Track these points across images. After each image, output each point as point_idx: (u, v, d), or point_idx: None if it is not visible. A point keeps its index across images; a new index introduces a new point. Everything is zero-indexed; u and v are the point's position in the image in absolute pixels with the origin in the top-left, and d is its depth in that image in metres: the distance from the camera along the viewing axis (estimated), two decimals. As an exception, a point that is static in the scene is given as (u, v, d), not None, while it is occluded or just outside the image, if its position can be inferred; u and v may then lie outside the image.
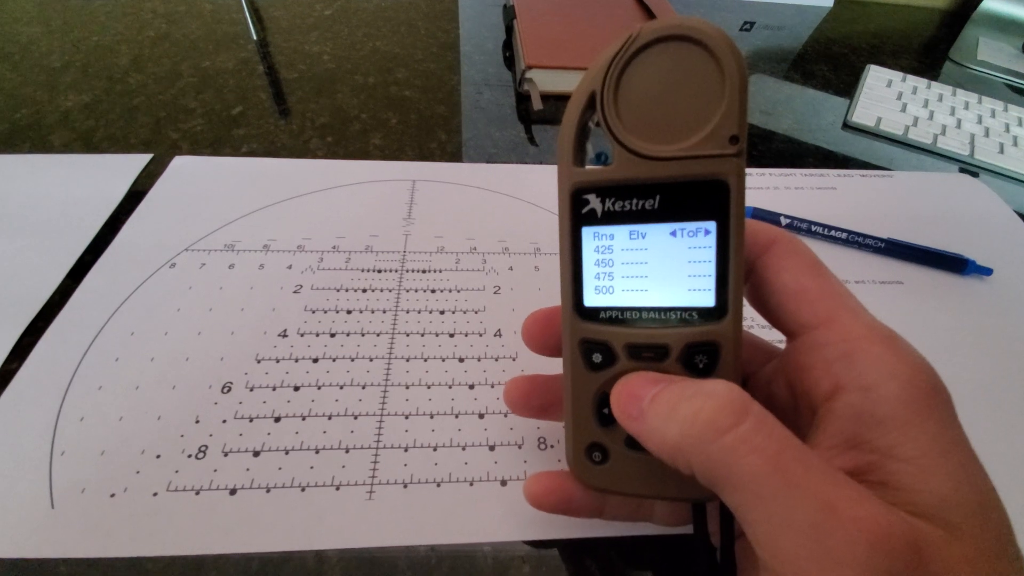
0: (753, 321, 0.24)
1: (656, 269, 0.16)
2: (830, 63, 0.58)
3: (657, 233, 0.15)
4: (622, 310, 0.16)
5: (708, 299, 0.15)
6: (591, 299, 0.17)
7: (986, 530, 0.13)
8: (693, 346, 0.16)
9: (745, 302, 0.18)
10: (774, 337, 0.19)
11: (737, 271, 0.15)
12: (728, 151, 0.14)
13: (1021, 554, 0.13)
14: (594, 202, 0.16)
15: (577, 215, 0.16)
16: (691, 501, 0.17)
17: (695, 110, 0.14)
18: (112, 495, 0.21)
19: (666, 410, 0.15)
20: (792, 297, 0.16)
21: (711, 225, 0.15)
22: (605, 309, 0.16)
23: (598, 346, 0.17)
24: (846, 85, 0.54)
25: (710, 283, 0.15)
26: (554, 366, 0.19)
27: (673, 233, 0.15)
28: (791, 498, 0.12)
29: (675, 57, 0.14)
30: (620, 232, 0.16)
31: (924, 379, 0.14)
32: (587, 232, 0.16)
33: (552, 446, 0.24)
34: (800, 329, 0.16)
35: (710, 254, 0.15)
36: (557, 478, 0.19)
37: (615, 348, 0.16)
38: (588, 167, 0.16)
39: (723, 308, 0.15)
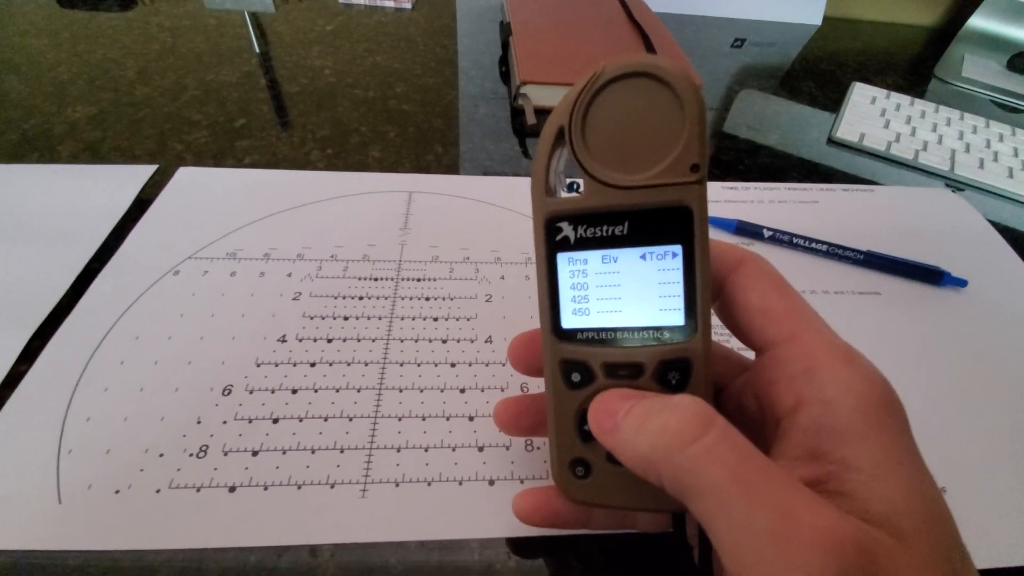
0: (723, 334, 0.25)
1: (628, 291, 0.17)
2: (817, 80, 0.60)
3: (627, 257, 0.16)
4: (598, 331, 0.17)
5: (678, 318, 0.16)
6: (569, 321, 0.17)
7: (933, 536, 0.14)
8: (666, 363, 0.16)
9: (715, 319, 0.19)
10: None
11: (704, 290, 0.16)
12: (690, 179, 0.15)
13: (968, 559, 0.14)
14: (567, 229, 0.17)
15: (552, 242, 0.17)
16: (670, 512, 0.18)
17: (658, 141, 0.15)
18: (117, 491, 0.22)
19: (637, 424, 0.15)
20: (758, 315, 0.17)
21: (677, 248, 0.16)
22: (582, 330, 0.17)
23: (577, 366, 0.17)
24: (832, 101, 0.55)
25: (679, 303, 0.16)
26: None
27: (643, 256, 0.16)
28: (751, 506, 0.13)
29: (638, 92, 0.15)
30: (593, 257, 0.17)
31: (879, 394, 0.15)
32: (562, 258, 0.17)
33: (539, 448, 0.25)
34: (766, 345, 0.17)
35: (678, 275, 0.16)
36: (544, 494, 0.20)
37: (593, 367, 0.17)
38: (563, 195, 0.17)
39: (692, 326, 0.16)
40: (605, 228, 0.16)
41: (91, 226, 0.33)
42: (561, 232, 0.17)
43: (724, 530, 0.13)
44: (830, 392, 0.15)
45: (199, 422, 0.25)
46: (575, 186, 0.17)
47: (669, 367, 0.16)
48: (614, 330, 0.17)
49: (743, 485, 0.13)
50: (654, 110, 0.15)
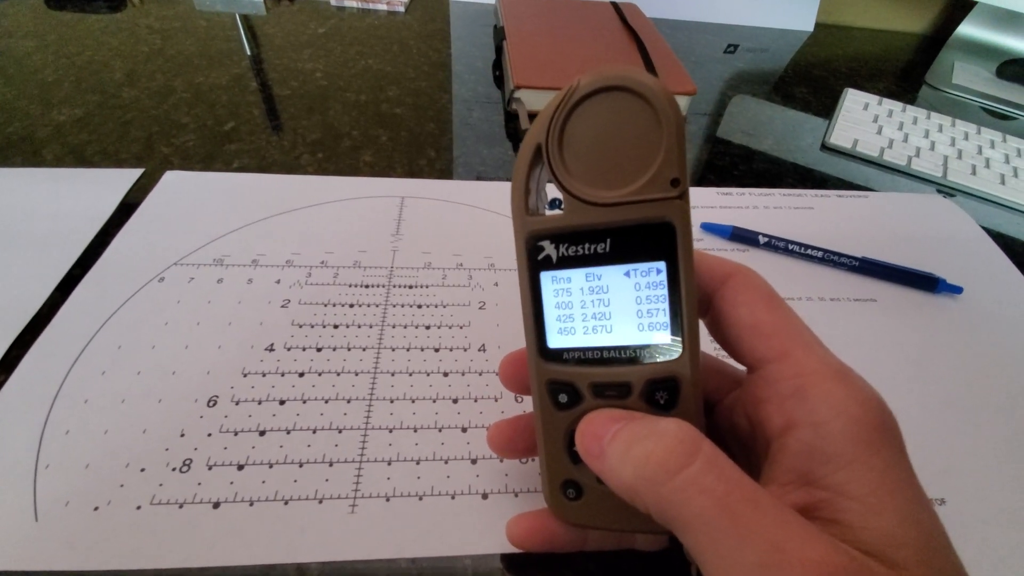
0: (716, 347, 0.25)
1: (614, 309, 0.16)
2: (810, 85, 0.60)
3: (611, 275, 0.16)
4: (584, 350, 0.17)
5: (665, 336, 0.16)
6: (554, 341, 0.17)
7: (932, 567, 0.13)
8: (653, 382, 0.16)
9: (708, 335, 0.19)
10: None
11: (690, 307, 0.16)
12: (670, 194, 0.15)
13: None
14: (549, 248, 0.16)
15: (534, 261, 0.16)
16: (665, 534, 0.18)
17: (636, 156, 0.15)
18: (96, 508, 0.21)
19: (622, 450, 0.15)
20: (748, 331, 0.17)
21: (661, 265, 0.15)
22: (568, 350, 0.17)
23: (564, 386, 0.17)
24: (825, 107, 0.56)
25: (666, 320, 0.16)
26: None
27: (627, 274, 0.16)
28: (740, 538, 0.13)
29: (614, 107, 0.15)
30: (576, 275, 0.16)
31: (873, 415, 0.15)
32: (545, 277, 0.17)
33: (533, 460, 0.24)
34: (756, 363, 0.17)
35: (663, 292, 0.16)
36: (538, 518, 0.20)
37: (580, 388, 0.17)
38: (547, 213, 0.16)
39: (680, 343, 0.16)
40: (587, 246, 0.16)
41: (74, 231, 0.32)
42: (543, 251, 0.16)
43: (713, 564, 0.13)
44: (822, 414, 0.15)
45: (183, 435, 0.24)
46: (557, 203, 0.16)
47: (657, 386, 0.16)
48: (600, 349, 0.17)
49: (731, 517, 0.13)
50: (631, 124, 0.15)
